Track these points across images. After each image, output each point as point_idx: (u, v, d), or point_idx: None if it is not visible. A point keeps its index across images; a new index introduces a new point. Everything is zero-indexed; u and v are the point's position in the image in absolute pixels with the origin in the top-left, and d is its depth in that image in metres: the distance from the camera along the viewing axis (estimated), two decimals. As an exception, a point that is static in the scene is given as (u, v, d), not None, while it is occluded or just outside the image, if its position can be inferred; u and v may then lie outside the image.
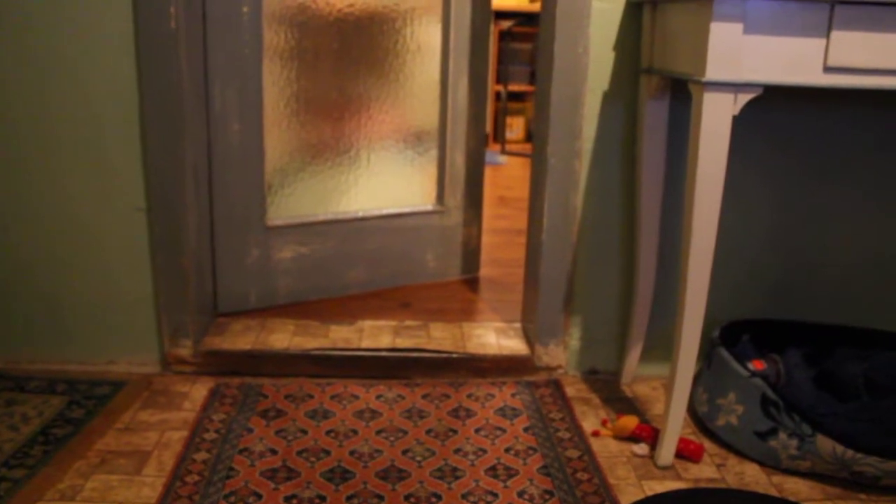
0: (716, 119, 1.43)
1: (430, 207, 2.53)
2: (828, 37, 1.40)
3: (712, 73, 1.40)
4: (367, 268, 2.46)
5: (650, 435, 1.73)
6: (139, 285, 1.96)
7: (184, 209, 1.90)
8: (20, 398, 1.84)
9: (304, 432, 1.73)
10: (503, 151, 5.49)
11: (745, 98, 1.43)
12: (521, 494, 1.53)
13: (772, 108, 1.89)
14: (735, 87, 1.41)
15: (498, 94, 5.62)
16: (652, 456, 1.69)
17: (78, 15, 1.79)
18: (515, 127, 5.80)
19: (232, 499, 1.49)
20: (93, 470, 1.58)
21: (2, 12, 1.78)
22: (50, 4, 1.78)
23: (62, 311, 1.97)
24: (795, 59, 1.41)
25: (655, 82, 1.74)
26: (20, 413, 1.77)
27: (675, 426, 1.63)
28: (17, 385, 1.90)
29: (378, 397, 1.90)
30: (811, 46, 1.41)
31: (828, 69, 1.42)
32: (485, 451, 1.68)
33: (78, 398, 1.85)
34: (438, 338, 2.12)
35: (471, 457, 1.66)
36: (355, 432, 1.74)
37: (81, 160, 1.88)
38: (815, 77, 1.43)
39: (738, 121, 1.88)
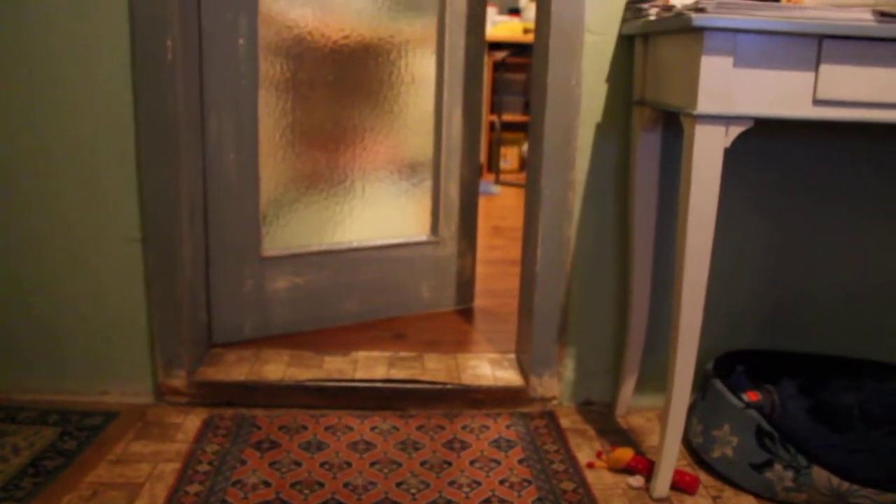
0: (707, 151, 1.44)
1: (424, 238, 2.54)
2: (816, 70, 1.42)
3: (703, 106, 1.41)
4: (361, 298, 2.46)
5: (645, 467, 1.72)
6: (133, 315, 1.96)
7: (179, 240, 1.90)
8: (11, 429, 1.83)
9: (298, 464, 1.72)
10: (497, 181, 5.51)
11: (736, 130, 1.44)
12: (515, 527, 1.52)
13: (764, 137, 1.91)
14: (726, 119, 1.43)
15: (492, 125, 5.65)
16: (647, 488, 1.68)
17: (75, 45, 1.81)
18: (509, 157, 5.83)
19: (224, 532, 1.48)
20: (84, 502, 1.56)
21: (-1, 44, 1.80)
22: (46, 35, 1.80)
23: (55, 340, 1.97)
24: (785, 93, 1.43)
25: (647, 114, 1.76)
26: (11, 444, 1.76)
27: (671, 458, 1.62)
28: (8, 415, 1.89)
29: (372, 429, 1.89)
30: (800, 80, 1.42)
31: (817, 102, 1.44)
32: (479, 484, 1.67)
33: (70, 429, 1.84)
34: (433, 369, 2.12)
35: (465, 489, 1.65)
36: (349, 464, 1.73)
37: (76, 190, 1.88)
38: (804, 110, 1.44)
39: (730, 150, 1.89)
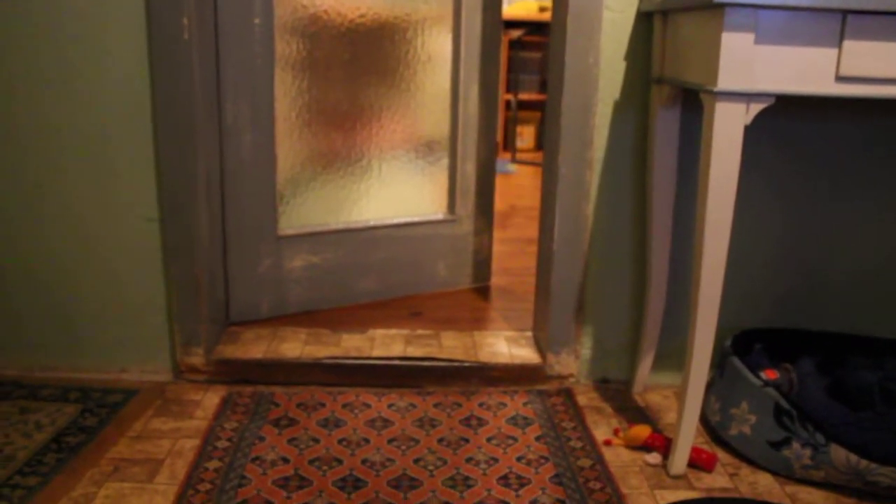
0: (728, 129, 1.43)
1: (441, 216, 2.54)
2: (840, 46, 1.40)
3: (724, 82, 1.40)
4: (378, 277, 2.47)
5: (662, 444, 1.73)
6: (151, 295, 1.97)
7: (196, 219, 1.91)
8: (33, 406, 1.85)
9: (317, 441, 1.73)
10: (513, 160, 5.50)
11: (756, 108, 1.43)
12: (533, 504, 1.53)
13: (783, 116, 1.89)
14: (747, 96, 1.41)
15: (508, 103, 5.63)
16: (664, 465, 1.69)
17: (90, 26, 1.81)
18: (526, 136, 5.81)
19: (244, 507, 1.49)
20: (105, 478, 1.58)
21: (12, 24, 1.80)
22: (62, 16, 1.80)
23: (74, 320, 1.99)
24: (807, 69, 1.41)
25: (667, 92, 1.74)
26: (33, 421, 1.78)
27: (688, 435, 1.63)
28: (31, 393, 1.91)
29: (390, 406, 1.90)
30: (823, 56, 1.41)
31: (840, 79, 1.42)
32: (497, 460, 1.68)
33: (91, 406, 1.86)
34: (450, 346, 2.12)
35: (483, 466, 1.66)
36: (367, 441, 1.74)
37: (94, 171, 1.89)
38: (827, 87, 1.43)
39: (748, 129, 1.88)
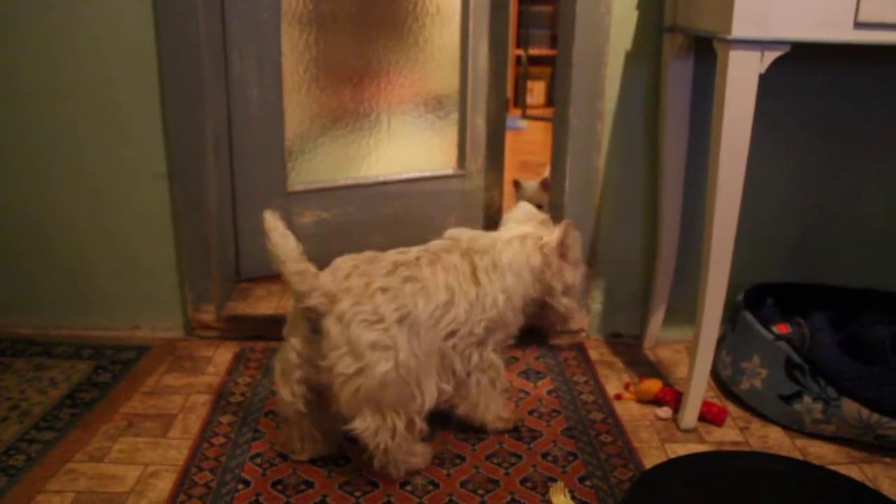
0: (742, 78, 1.40)
1: (451, 172, 2.52)
2: (859, -10, 1.36)
3: (738, 30, 1.37)
4: (388, 232, 2.45)
5: (673, 398, 1.72)
6: (162, 252, 1.97)
7: (205, 175, 1.90)
8: (48, 363, 1.86)
9: (328, 396, 1.74)
10: (524, 116, 5.44)
11: (771, 56, 1.40)
12: (545, 456, 1.54)
13: (795, 66, 1.85)
14: (762, 44, 1.38)
15: (518, 59, 5.55)
16: (675, 419, 1.69)
17: (96, -21, 1.78)
18: (536, 91, 5.74)
19: (258, 460, 1.50)
20: (120, 432, 1.60)
21: (20, -22, 1.78)
22: (68, -31, 1.78)
23: (86, 278, 1.99)
24: (824, 15, 1.38)
25: (679, 41, 1.71)
26: (48, 377, 1.80)
27: (699, 389, 1.62)
28: (45, 350, 1.92)
29: (400, 361, 1.90)
30: (841, 1, 1.37)
31: (858, 25, 1.38)
32: (507, 414, 1.68)
33: (104, 363, 1.87)
34: (460, 302, 2.11)
35: (493, 420, 1.66)
36: (378, 396, 1.74)
37: (101, 128, 1.88)
38: (845, 33, 1.39)
39: (760, 78, 1.84)
